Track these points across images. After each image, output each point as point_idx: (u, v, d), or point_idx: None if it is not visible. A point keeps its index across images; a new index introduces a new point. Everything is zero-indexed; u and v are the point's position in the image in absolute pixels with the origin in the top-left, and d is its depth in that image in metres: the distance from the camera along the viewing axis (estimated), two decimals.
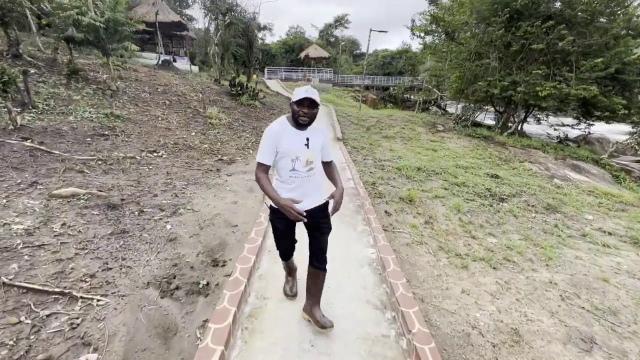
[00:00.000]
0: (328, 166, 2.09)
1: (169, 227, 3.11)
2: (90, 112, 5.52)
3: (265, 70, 31.02)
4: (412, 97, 29.92)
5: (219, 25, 15.21)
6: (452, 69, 13.72)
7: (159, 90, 8.29)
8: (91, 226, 2.88)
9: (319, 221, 2.00)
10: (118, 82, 7.62)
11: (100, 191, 3.49)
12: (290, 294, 2.41)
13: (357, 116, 13.30)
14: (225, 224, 3.34)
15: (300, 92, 1.73)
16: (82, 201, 3.23)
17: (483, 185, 6.80)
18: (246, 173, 4.99)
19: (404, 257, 3.42)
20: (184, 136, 6.03)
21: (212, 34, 14.91)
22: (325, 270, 2.08)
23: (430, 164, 8.27)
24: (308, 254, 2.09)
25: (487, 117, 21.78)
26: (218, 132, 6.88)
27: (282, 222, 2.01)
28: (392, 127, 11.76)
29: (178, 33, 21.96)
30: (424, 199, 5.41)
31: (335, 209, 1.91)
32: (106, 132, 5.04)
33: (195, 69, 15.88)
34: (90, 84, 6.92)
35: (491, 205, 5.52)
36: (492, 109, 18.79)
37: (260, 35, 42.55)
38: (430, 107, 25.53)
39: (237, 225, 3.33)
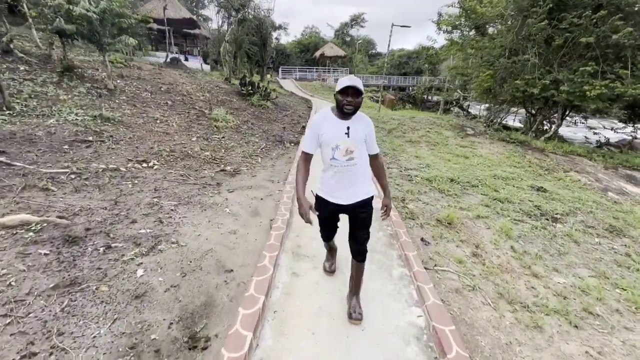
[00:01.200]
0: (374, 160, 2.08)
1: (140, 272, 2.28)
2: (76, 114, 4.81)
3: (280, 69, 30.40)
4: (431, 97, 28.61)
5: (231, 22, 14.54)
6: (482, 67, 12.54)
7: (162, 89, 7.59)
8: (31, 274, 2.08)
9: (359, 217, 2.06)
10: (117, 81, 6.95)
11: (62, 217, 2.71)
12: (329, 270, 2.62)
13: (377, 118, 12.32)
14: (217, 267, 2.49)
15: (344, 81, 1.72)
16: (31, 233, 2.45)
17: (530, 201, 5.78)
18: (251, 188, 4.14)
19: (456, 313, 2.49)
20: (183, 142, 5.25)
21: (225, 31, 14.24)
22: (362, 262, 2.17)
23: (463, 174, 7.26)
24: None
25: (510, 119, 20.35)
26: (223, 137, 6.08)
27: (323, 212, 2.11)
28: (416, 131, 10.73)
29: (191, 31, 21.50)
30: (465, 220, 4.45)
31: (387, 214, 2.10)
32: (90, 138, 4.30)
33: (207, 67, 15.27)
34: (85, 82, 6.26)
35: (544, 228, 4.53)
36: (516, 110, 17.47)
37: (275, 34, 42.12)
38: (451, 108, 24.21)
39: (232, 271, 2.47)
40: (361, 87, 1.72)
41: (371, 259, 2.99)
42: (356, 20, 44.14)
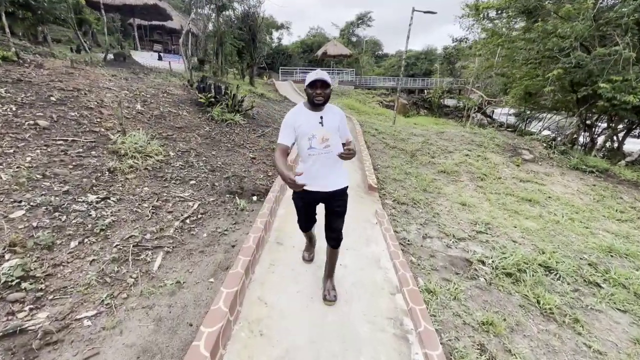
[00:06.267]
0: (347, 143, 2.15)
1: None
2: None
3: (280, 71, 27.63)
4: (444, 101, 25.40)
5: (204, 11, 11.67)
6: (529, 64, 9.46)
7: (51, 99, 4.66)
8: None
9: (334, 204, 2.18)
10: None
11: None
12: (308, 259, 2.80)
13: (392, 133, 9.26)
14: None
15: (312, 75, 1.89)
16: None
17: None
18: None
19: None
20: None
21: (197, 22, 11.35)
22: (335, 248, 2.31)
23: (553, 245, 4.21)
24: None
25: (533, 126, 17.15)
26: (106, 198, 3.09)
27: (299, 200, 2.25)
28: (450, 153, 7.66)
29: (174, 27, 18.64)
30: None
31: (347, 149, 1.89)
32: None
33: (179, 67, 12.40)
34: None
35: None
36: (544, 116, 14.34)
37: (277, 34, 39.20)
38: (472, 115, 21.02)
39: None
40: (328, 80, 1.89)
41: None
42: (362, 20, 41.06)
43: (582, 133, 10.69)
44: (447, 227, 4.33)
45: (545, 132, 13.86)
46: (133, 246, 2.54)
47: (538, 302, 3.00)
